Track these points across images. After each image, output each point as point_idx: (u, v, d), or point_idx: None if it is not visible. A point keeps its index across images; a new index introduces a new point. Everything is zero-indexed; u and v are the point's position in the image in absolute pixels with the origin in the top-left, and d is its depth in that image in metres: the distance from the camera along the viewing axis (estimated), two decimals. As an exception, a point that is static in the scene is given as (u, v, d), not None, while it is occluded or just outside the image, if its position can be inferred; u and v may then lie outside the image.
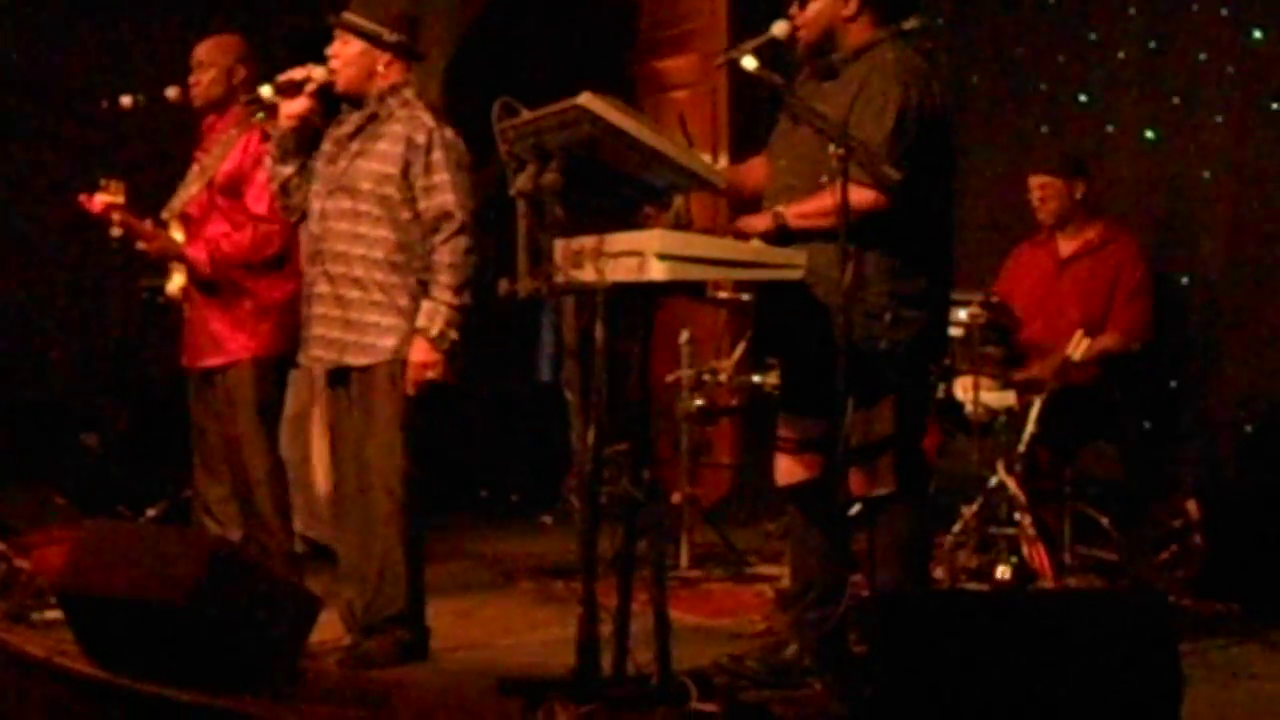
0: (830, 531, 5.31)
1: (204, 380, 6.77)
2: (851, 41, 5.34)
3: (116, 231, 6.63)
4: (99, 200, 6.63)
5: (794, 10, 5.37)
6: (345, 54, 5.85)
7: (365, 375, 5.81)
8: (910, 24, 5.42)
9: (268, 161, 6.06)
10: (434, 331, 5.70)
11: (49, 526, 6.89)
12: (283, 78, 5.87)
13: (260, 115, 6.17)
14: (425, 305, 5.73)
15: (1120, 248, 7.34)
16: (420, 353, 5.72)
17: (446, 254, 5.73)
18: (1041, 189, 7.43)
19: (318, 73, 5.84)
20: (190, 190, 6.76)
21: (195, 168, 6.80)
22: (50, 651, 5.56)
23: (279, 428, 6.94)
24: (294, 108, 5.87)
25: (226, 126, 6.73)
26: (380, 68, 5.86)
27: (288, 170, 5.96)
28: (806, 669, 5.39)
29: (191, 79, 6.76)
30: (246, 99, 6.15)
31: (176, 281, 6.84)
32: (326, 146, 5.94)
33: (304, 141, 5.96)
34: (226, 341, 6.64)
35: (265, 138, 6.21)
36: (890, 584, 5.24)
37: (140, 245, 6.71)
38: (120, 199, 6.66)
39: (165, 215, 6.81)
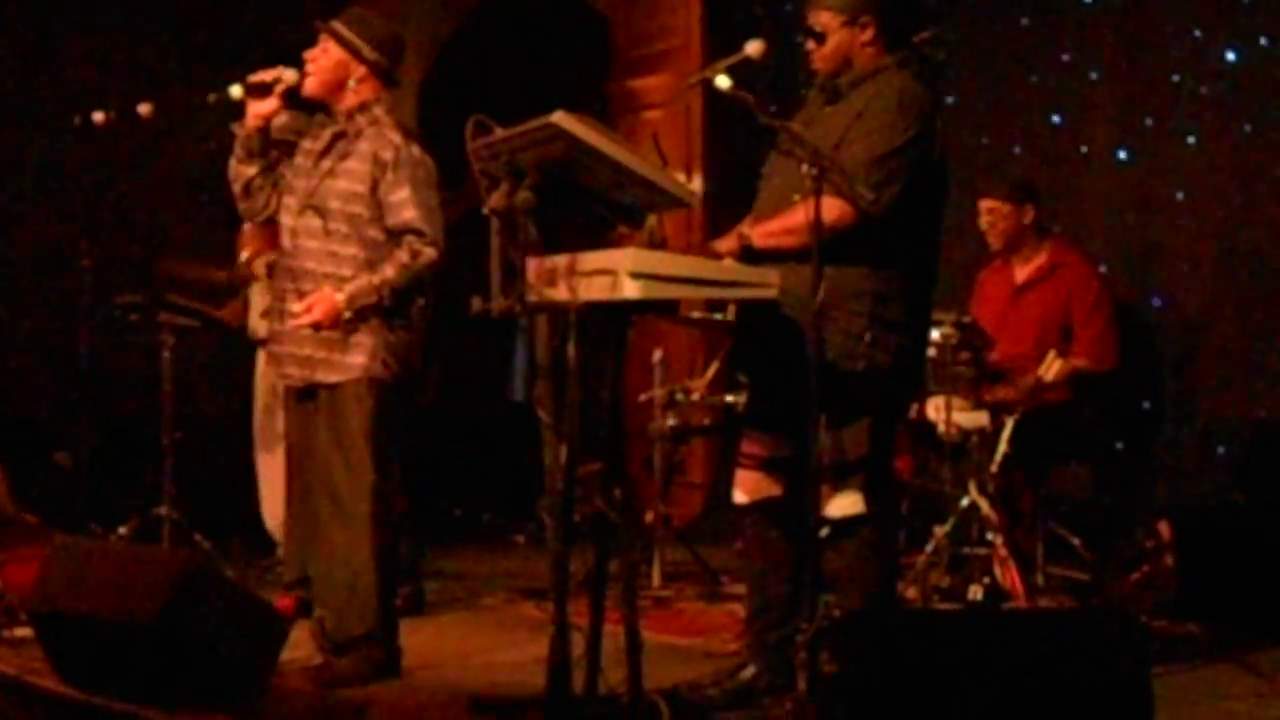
0: (793, 550, 5.30)
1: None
2: (862, 65, 5.33)
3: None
4: None
5: (811, 45, 5.36)
6: (322, 60, 5.86)
7: (334, 392, 5.79)
8: (923, 36, 5.42)
9: (232, 163, 6.05)
10: (346, 292, 5.69)
11: (19, 544, 6.87)
12: (253, 78, 5.87)
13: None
14: (361, 279, 5.72)
15: (1070, 271, 7.32)
16: (322, 295, 5.69)
17: (405, 254, 5.72)
18: (990, 213, 7.42)
19: (289, 75, 5.84)
20: None
21: None
22: (20, 669, 5.54)
23: None
24: (262, 108, 5.88)
25: None
26: (353, 82, 5.86)
27: (250, 171, 5.96)
28: (765, 690, 5.37)
29: None
30: (214, 97, 6.11)
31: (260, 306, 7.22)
32: (299, 159, 5.95)
33: (269, 143, 5.98)
34: None
35: None
36: (858, 604, 5.23)
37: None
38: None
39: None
